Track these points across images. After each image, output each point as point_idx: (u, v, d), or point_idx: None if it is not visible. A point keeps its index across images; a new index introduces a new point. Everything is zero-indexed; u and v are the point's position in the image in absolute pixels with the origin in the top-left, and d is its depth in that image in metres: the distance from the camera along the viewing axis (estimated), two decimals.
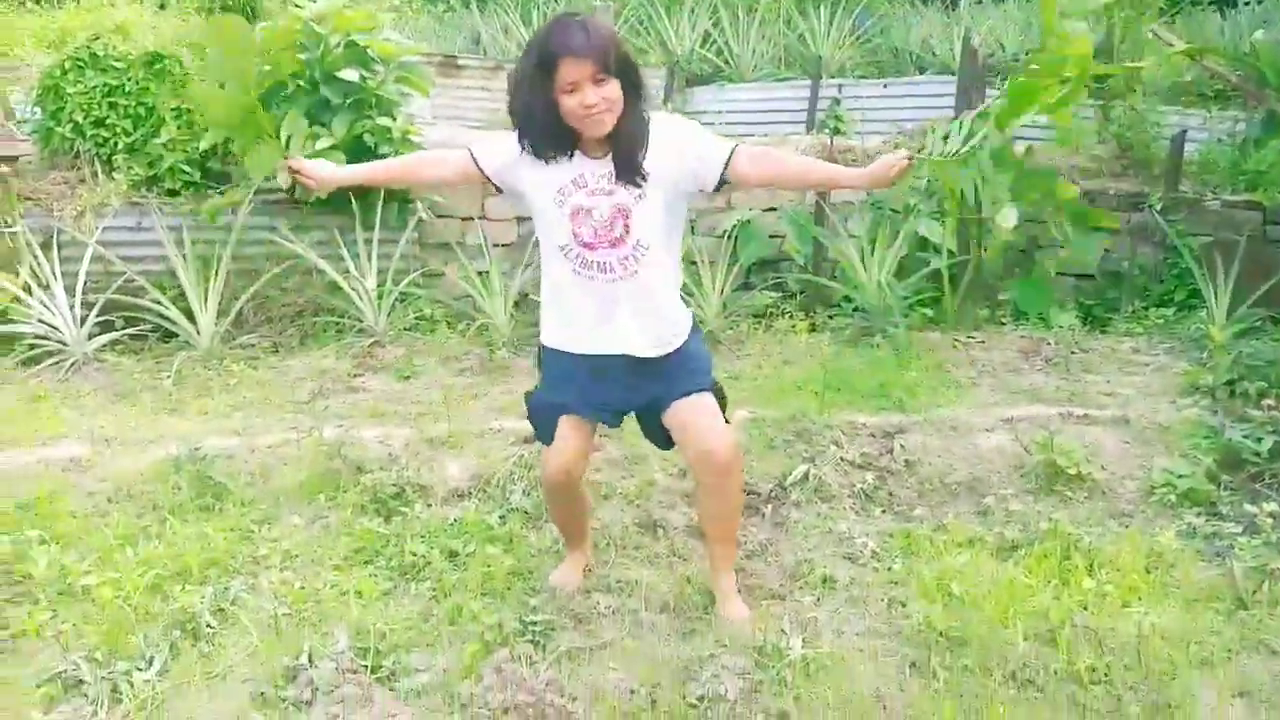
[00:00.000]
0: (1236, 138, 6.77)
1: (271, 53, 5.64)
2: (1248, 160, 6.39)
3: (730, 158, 2.48)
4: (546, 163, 2.50)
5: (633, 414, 2.84)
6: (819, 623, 2.89)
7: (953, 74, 8.75)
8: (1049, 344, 5.44)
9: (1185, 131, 6.62)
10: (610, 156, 2.47)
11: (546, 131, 2.44)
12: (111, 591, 2.89)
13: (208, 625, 2.79)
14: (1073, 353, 5.31)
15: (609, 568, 3.21)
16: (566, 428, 2.72)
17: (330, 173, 2.77)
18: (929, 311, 6.00)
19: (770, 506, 3.66)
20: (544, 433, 2.79)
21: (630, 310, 2.57)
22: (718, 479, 2.72)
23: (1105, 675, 2.58)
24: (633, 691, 2.53)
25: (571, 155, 2.49)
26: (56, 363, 5.05)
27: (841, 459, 3.91)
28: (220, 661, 2.64)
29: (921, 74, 9.25)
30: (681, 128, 2.56)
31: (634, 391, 2.69)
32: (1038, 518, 3.47)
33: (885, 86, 8.81)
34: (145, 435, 4.12)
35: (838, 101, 8.70)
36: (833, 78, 8.96)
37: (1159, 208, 6.32)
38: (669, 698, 2.50)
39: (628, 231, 2.50)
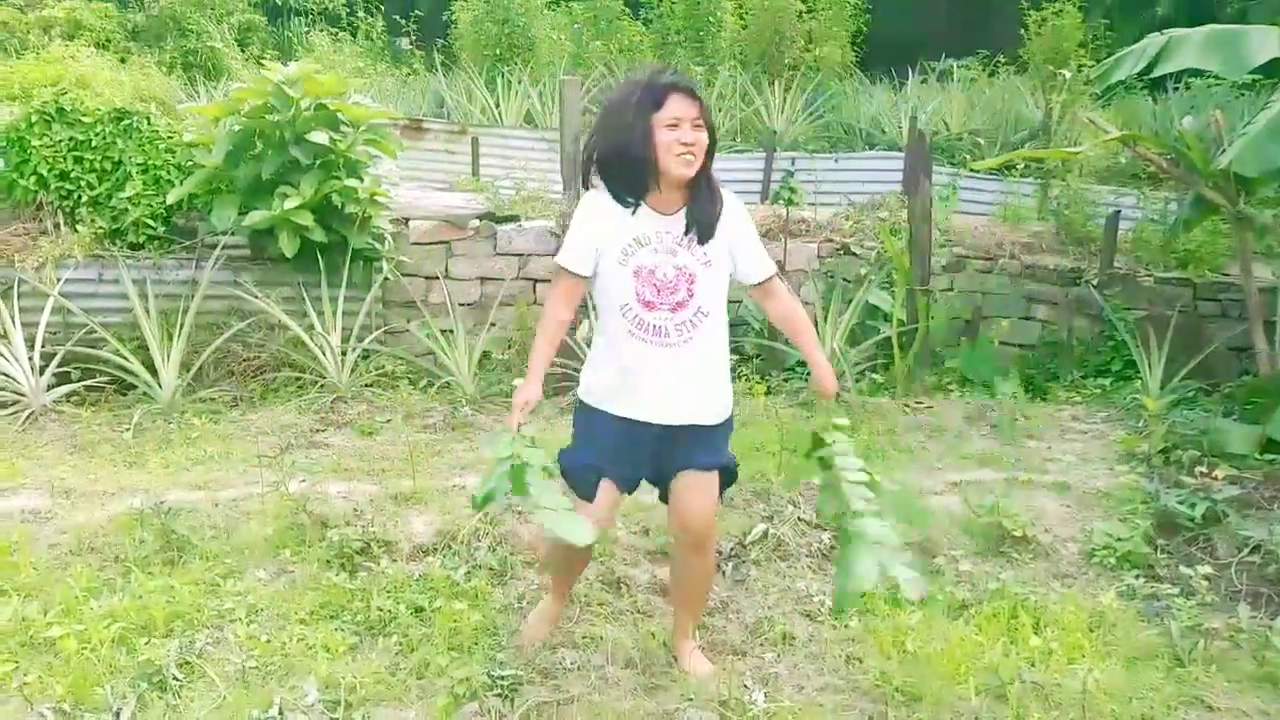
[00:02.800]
0: (1168, 218, 7.15)
1: (244, 113, 5.75)
2: (1179, 239, 6.74)
3: (768, 280, 2.69)
4: (614, 218, 2.54)
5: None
6: (780, 678, 2.98)
7: (900, 150, 9.15)
8: (993, 410, 5.65)
9: (1120, 211, 6.98)
10: (680, 214, 2.54)
11: (633, 165, 2.47)
12: (76, 643, 2.88)
13: (174, 678, 2.79)
14: (1016, 419, 5.51)
15: (574, 624, 3.26)
16: (604, 492, 2.70)
17: (529, 391, 2.63)
18: (879, 378, 6.20)
19: (731, 564, 3.74)
20: (583, 490, 2.73)
21: (680, 379, 2.58)
22: (690, 551, 2.80)
23: None
24: None
25: (637, 209, 2.54)
26: (13, 414, 5.01)
27: (799, 519, 4.03)
28: (188, 713, 2.65)
29: (871, 149, 9.62)
30: (746, 216, 2.66)
31: (659, 460, 2.70)
32: (986, 578, 3.61)
33: (837, 160, 9.14)
34: (106, 488, 4.11)
35: (791, 174, 9.00)
36: (786, 150, 9.27)
37: (1095, 283, 6.64)
38: None
39: (691, 296, 2.54)
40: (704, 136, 2.48)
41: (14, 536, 3.53)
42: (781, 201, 7.45)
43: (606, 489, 2.71)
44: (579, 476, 2.74)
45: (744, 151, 9.48)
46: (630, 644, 3.13)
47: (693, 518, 2.73)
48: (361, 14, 13.06)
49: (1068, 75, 8.63)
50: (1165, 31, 5.15)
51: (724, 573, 3.70)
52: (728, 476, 2.83)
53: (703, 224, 2.54)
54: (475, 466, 4.54)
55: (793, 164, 9.01)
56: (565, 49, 10.79)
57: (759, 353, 6.50)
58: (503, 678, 2.83)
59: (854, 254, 7.00)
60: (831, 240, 7.11)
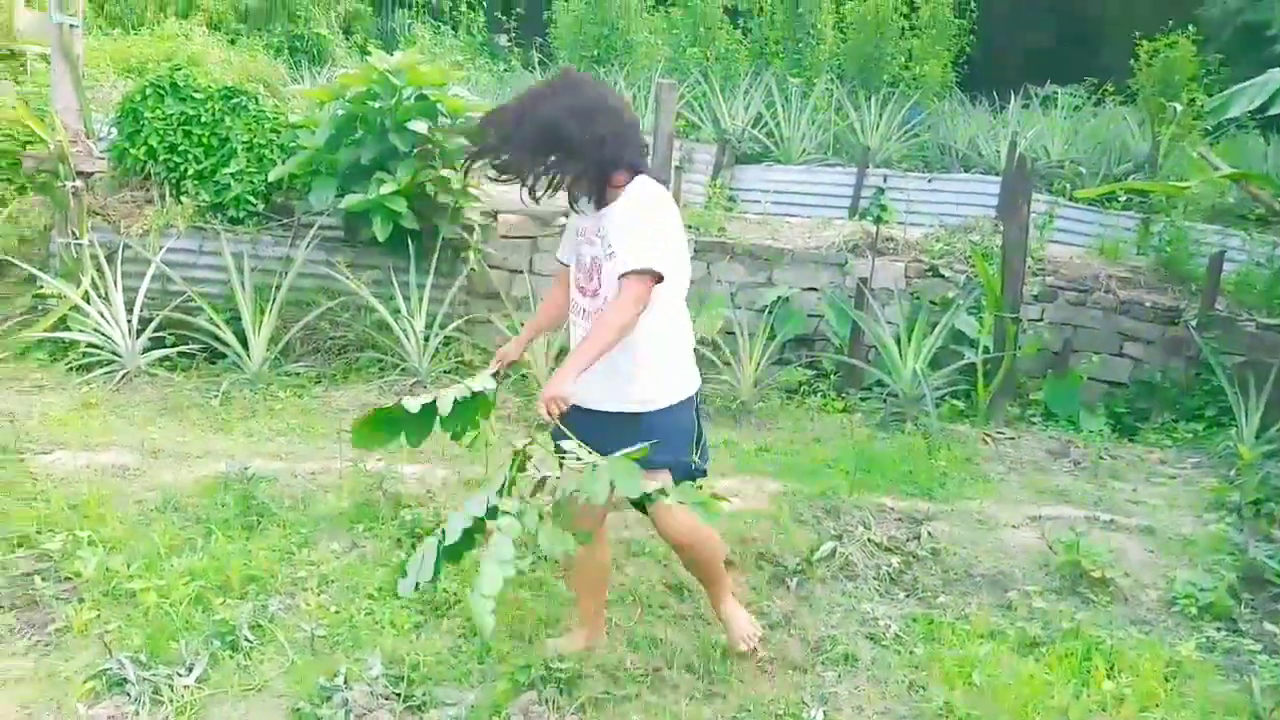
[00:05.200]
0: (1275, 262, 6.87)
1: (348, 98, 5.90)
2: None
3: (624, 275, 2.58)
4: (573, 214, 2.82)
5: None
6: (840, 698, 2.94)
7: (997, 174, 8.97)
8: (1077, 447, 5.50)
9: (1225, 251, 6.73)
10: (597, 212, 2.71)
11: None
12: (156, 597, 2.98)
13: (246, 639, 2.87)
14: (1101, 458, 5.36)
15: (635, 624, 3.26)
16: None
17: (513, 347, 2.96)
18: (960, 404, 6.07)
19: (796, 580, 3.70)
20: None
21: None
22: (678, 552, 2.96)
23: None
24: None
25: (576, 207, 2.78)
26: (108, 373, 5.21)
27: (869, 540, 3.97)
28: (257, 675, 2.72)
29: (967, 172, 9.44)
30: (639, 212, 2.63)
31: (597, 446, 2.45)
32: (1060, 617, 3.51)
33: (930, 181, 8.99)
34: (192, 450, 4.25)
35: (882, 191, 8.88)
36: (879, 168, 9.15)
37: (1194, 324, 6.40)
38: None
39: (599, 285, 2.71)
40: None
41: (103, 490, 3.66)
42: (870, 219, 7.35)
43: None
44: None
45: (834, 165, 9.38)
46: (690, 650, 3.12)
47: (657, 522, 2.82)
48: (464, 8, 13.28)
49: (1179, 108, 8.35)
50: None
51: (788, 587, 3.67)
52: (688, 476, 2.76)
53: (603, 220, 2.68)
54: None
55: (884, 181, 8.89)
56: (662, 53, 10.81)
57: (837, 369, 6.42)
58: (561, 670, 2.85)
59: (942, 276, 6.87)
60: (920, 261, 6.99)
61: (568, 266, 2.88)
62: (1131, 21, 11.45)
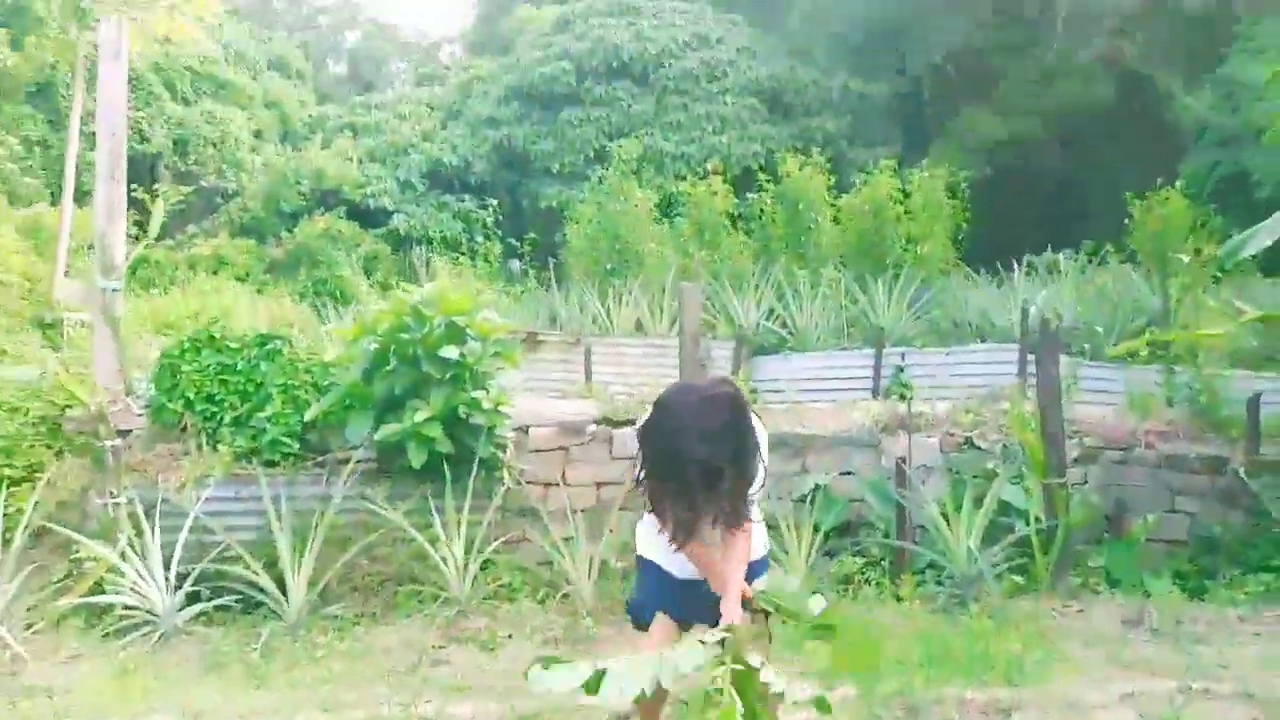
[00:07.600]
0: None
1: (380, 332, 6.07)
2: None
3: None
4: None
5: None
6: None
7: (1015, 342, 9.03)
8: (1150, 613, 5.25)
9: (1260, 394, 6.65)
10: None
11: None
12: None
13: None
14: (1179, 622, 5.10)
15: None
16: (658, 625, 3.10)
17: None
18: (1018, 579, 5.85)
19: None
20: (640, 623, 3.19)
21: None
22: None
23: None
24: None
25: None
26: (145, 635, 5.09)
27: None
28: None
29: (982, 343, 9.52)
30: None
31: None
32: None
33: (948, 354, 9.06)
34: (236, 709, 4.09)
35: (901, 369, 8.95)
36: (895, 346, 9.25)
37: (1243, 472, 6.25)
38: None
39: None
40: None
41: None
42: (894, 396, 7.37)
43: (662, 624, 3.12)
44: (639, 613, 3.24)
45: (851, 349, 9.49)
46: None
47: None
48: (480, 239, 13.95)
49: (1185, 259, 8.51)
50: None
51: None
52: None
53: None
54: None
55: (903, 359, 8.98)
56: (671, 260, 11.21)
57: (885, 555, 6.24)
58: None
59: (978, 448, 6.78)
60: (953, 434, 6.93)
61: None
62: (1115, 185, 11.85)
